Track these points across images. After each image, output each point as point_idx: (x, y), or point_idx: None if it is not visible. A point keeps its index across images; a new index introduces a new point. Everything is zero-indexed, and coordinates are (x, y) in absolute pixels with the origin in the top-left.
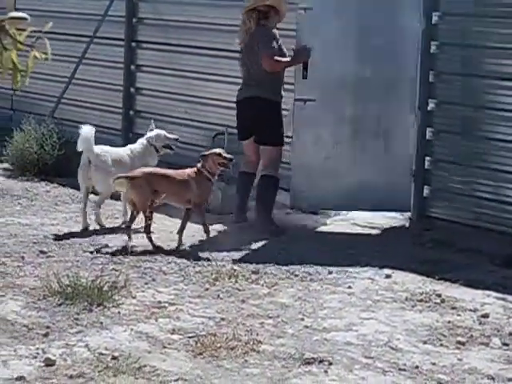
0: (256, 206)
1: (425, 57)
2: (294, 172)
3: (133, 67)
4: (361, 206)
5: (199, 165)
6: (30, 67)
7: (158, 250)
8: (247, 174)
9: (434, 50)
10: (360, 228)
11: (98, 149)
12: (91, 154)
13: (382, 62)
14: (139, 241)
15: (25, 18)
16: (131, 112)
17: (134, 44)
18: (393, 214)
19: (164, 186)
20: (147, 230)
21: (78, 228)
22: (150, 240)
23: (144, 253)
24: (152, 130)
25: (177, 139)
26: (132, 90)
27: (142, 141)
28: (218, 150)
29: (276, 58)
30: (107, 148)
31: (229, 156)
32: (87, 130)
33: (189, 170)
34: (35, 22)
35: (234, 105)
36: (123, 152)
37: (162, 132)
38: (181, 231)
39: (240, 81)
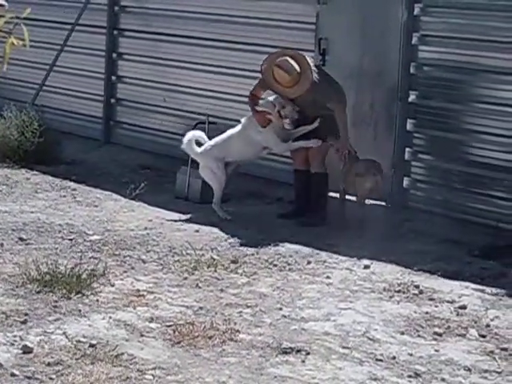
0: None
1: (406, 48)
2: None
3: (114, 55)
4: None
5: None
6: (7, 54)
7: None
8: None
9: (416, 41)
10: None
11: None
12: None
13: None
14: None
15: (2, 5)
16: (112, 100)
17: (115, 32)
18: (372, 203)
19: None
20: None
21: (57, 216)
22: None
23: (123, 241)
24: None
25: None
26: (113, 77)
27: None
28: None
29: None
30: None
31: None
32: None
33: None
34: (17, 8)
35: (215, 94)
36: None
37: None
38: None
39: (220, 70)
